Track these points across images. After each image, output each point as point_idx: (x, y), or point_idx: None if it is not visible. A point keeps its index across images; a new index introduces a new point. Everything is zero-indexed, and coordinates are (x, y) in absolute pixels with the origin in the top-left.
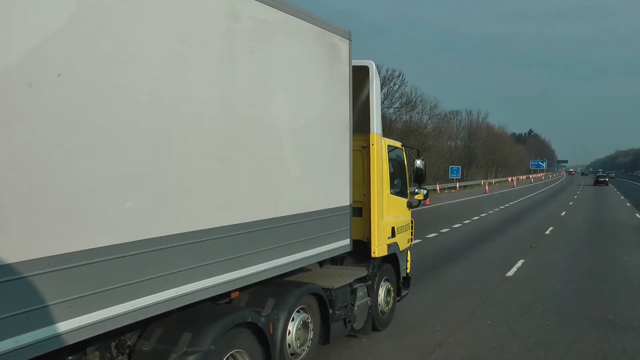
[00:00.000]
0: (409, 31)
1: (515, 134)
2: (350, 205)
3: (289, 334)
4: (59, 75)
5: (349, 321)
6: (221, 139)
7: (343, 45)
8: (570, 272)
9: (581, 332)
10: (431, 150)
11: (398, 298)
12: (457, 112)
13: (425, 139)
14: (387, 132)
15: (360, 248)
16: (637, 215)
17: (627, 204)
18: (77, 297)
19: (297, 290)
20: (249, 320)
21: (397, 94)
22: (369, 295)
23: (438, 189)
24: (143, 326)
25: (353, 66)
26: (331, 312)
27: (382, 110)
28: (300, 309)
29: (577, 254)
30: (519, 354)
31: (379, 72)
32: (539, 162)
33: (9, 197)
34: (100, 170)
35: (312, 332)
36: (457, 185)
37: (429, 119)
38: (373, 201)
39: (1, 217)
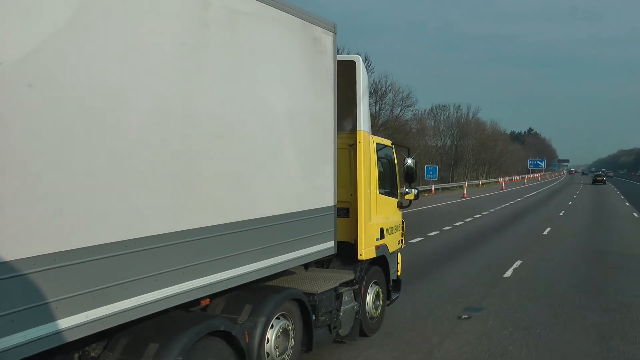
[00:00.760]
0: (410, 31)
1: (514, 132)
2: (334, 205)
3: (267, 342)
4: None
5: (334, 327)
6: (188, 136)
7: (327, 38)
8: None
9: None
10: (414, 149)
11: (388, 302)
12: (444, 106)
13: (407, 137)
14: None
15: (348, 250)
16: None
17: (635, 214)
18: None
19: (276, 295)
20: (222, 328)
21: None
22: (356, 300)
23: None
24: (109, 337)
25: (339, 61)
26: (314, 318)
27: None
28: (280, 315)
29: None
30: None
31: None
32: (538, 162)
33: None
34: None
35: (293, 339)
36: (433, 188)
37: (400, 110)
38: (360, 201)
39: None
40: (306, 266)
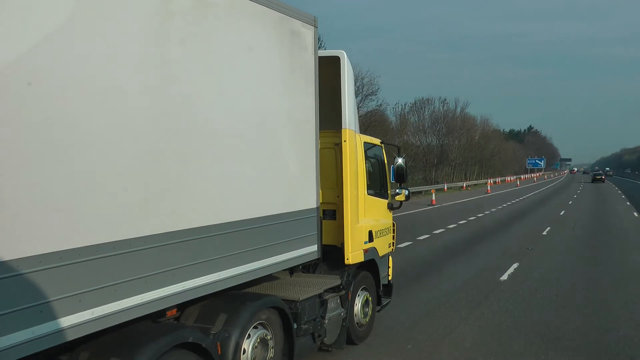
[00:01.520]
0: (411, 31)
1: (513, 130)
2: (317, 208)
3: (244, 352)
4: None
5: (319, 335)
6: (149, 135)
7: (307, 32)
8: None
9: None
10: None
11: (378, 308)
12: (428, 100)
13: (384, 134)
14: None
15: (335, 254)
16: None
17: None
18: None
19: (253, 304)
20: (190, 340)
21: None
22: (342, 306)
23: None
24: (70, 350)
25: (323, 57)
26: (295, 326)
27: None
28: (258, 324)
29: None
30: None
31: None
32: (537, 161)
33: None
34: None
35: (272, 349)
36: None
37: (362, 100)
38: (346, 203)
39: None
40: (291, 271)
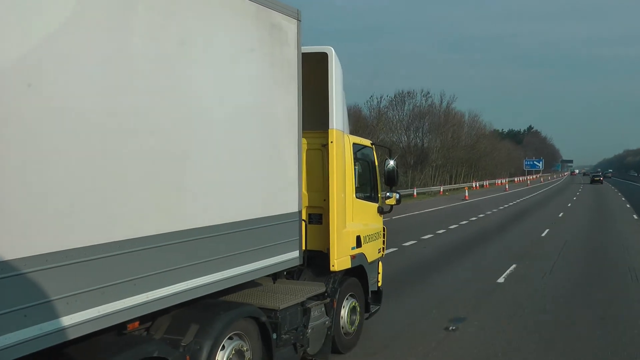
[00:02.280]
0: (412, 31)
1: (512, 130)
2: (299, 212)
3: None
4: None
5: (301, 345)
6: (111, 134)
7: (289, 26)
8: None
9: None
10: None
11: (367, 315)
12: (409, 93)
13: (355, 130)
14: None
15: (321, 260)
16: None
17: None
18: None
19: (227, 314)
20: (155, 354)
21: None
22: (327, 315)
23: None
24: None
25: (309, 53)
26: (275, 336)
27: None
28: (233, 334)
29: None
30: None
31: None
32: (535, 162)
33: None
34: None
35: None
36: None
37: None
38: (332, 207)
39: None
40: (275, 277)
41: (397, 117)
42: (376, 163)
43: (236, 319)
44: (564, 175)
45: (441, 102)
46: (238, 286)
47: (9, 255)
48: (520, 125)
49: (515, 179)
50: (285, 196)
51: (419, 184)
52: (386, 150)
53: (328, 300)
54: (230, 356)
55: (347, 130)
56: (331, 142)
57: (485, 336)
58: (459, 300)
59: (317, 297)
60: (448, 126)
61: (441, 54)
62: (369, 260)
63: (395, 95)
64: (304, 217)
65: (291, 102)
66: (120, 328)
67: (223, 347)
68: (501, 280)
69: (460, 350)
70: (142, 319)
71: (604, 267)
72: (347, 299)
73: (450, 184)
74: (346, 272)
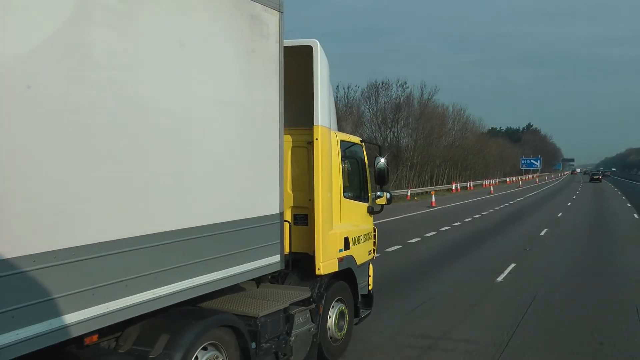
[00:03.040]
0: (412, 33)
1: (511, 128)
2: (280, 213)
3: None
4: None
5: (284, 354)
6: (70, 131)
7: (270, 17)
8: None
9: None
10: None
11: (356, 321)
12: (385, 84)
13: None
14: None
15: (307, 263)
16: None
17: None
18: None
19: (200, 323)
20: None
21: None
22: (313, 321)
23: None
24: None
25: (293, 46)
26: (254, 346)
27: None
28: (208, 344)
29: None
30: None
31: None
32: (532, 160)
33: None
34: None
35: None
36: None
37: None
38: (317, 207)
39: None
40: (258, 282)
41: (370, 110)
42: (366, 161)
43: (210, 327)
44: (564, 175)
45: (421, 93)
46: (218, 291)
47: None
48: (521, 124)
49: (508, 180)
50: (265, 197)
51: (391, 186)
52: (376, 148)
53: (313, 305)
54: None
55: (334, 126)
56: (316, 139)
57: None
58: None
59: (302, 303)
60: (425, 119)
61: (441, 53)
62: (358, 263)
63: (367, 86)
64: (288, 218)
65: (272, 97)
66: (79, 341)
67: (196, 358)
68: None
69: None
70: (111, 329)
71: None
72: (334, 303)
73: (429, 186)
74: (334, 276)
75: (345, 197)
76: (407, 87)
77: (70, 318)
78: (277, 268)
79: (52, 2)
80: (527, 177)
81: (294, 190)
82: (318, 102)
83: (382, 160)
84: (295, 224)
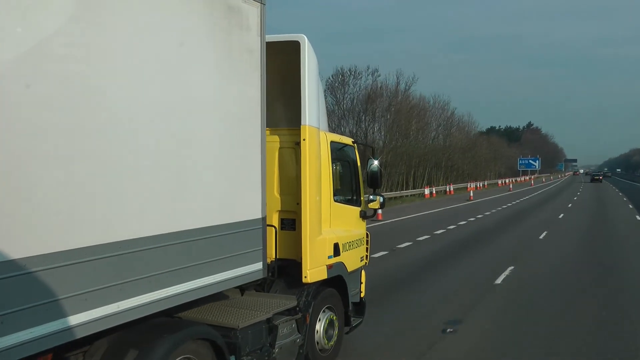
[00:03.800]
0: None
1: (510, 127)
2: (262, 218)
3: None
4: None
5: None
6: (13, 133)
7: (250, 9)
8: None
9: None
10: None
11: (347, 329)
12: (354, 71)
13: None
14: None
15: (294, 269)
16: None
17: None
18: None
19: (173, 336)
20: None
21: None
22: (299, 331)
23: None
24: None
25: (280, 42)
26: (234, 359)
27: None
28: (182, 359)
29: None
30: None
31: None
32: (530, 161)
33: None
34: None
35: None
36: None
37: None
38: (305, 211)
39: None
40: (242, 290)
41: (336, 102)
42: (358, 163)
43: (183, 341)
44: (565, 176)
45: (397, 83)
46: (199, 300)
47: None
48: (522, 124)
49: (500, 182)
50: (245, 201)
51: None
52: (369, 149)
53: (300, 315)
54: None
55: (324, 127)
56: (303, 139)
57: None
58: None
59: (288, 312)
60: (395, 112)
61: (442, 55)
62: (349, 270)
63: (333, 75)
64: (275, 222)
65: (253, 95)
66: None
67: None
68: None
69: None
70: (78, 344)
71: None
72: (323, 312)
73: (400, 190)
74: (323, 282)
75: (335, 200)
76: (379, 75)
77: (17, 337)
78: (259, 277)
79: None
80: (522, 179)
81: (281, 193)
82: (306, 100)
83: (375, 162)
84: (282, 228)
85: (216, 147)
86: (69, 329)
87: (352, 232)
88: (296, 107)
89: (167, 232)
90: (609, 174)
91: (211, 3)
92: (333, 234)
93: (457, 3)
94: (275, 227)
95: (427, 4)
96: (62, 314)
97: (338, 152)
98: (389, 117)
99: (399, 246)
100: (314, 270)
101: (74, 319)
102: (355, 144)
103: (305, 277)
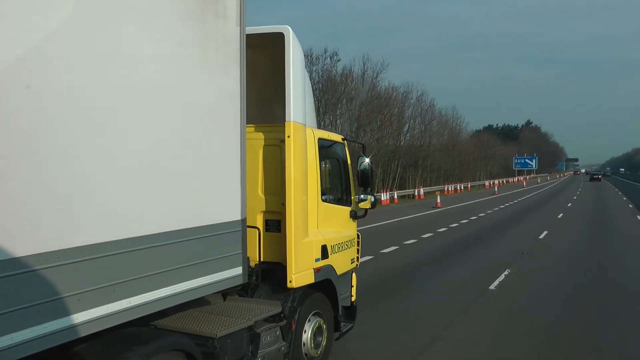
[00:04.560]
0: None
1: (508, 126)
2: (242, 220)
3: None
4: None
5: None
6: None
7: None
8: None
9: None
10: None
11: (337, 335)
12: (309, 55)
13: None
14: None
15: (280, 273)
16: None
17: None
18: None
19: (143, 347)
20: None
21: None
22: (284, 339)
23: None
24: None
25: (264, 34)
26: None
27: None
28: None
29: None
30: None
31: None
32: (527, 160)
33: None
34: None
35: None
36: None
37: None
38: (289, 212)
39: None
40: (224, 295)
41: None
42: (349, 162)
43: (155, 353)
44: (565, 176)
45: (364, 71)
46: (178, 307)
47: None
48: (520, 122)
49: (487, 183)
50: (223, 201)
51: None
52: (360, 147)
53: (284, 322)
54: None
55: (312, 123)
56: (288, 136)
57: None
58: None
59: (272, 318)
60: (350, 101)
61: (443, 55)
62: (338, 273)
63: None
64: (259, 224)
65: (232, 88)
66: None
67: None
68: None
69: None
70: (45, 355)
71: None
72: (310, 318)
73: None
74: (311, 287)
75: (324, 200)
76: (339, 60)
77: None
78: (239, 282)
79: None
80: (515, 180)
81: (266, 193)
82: (290, 95)
83: (366, 160)
84: (267, 230)
85: (186, 143)
86: (22, 343)
87: (342, 233)
88: (281, 103)
89: (129, 237)
90: (609, 174)
91: None
92: (321, 236)
93: (454, 3)
94: (259, 229)
95: (427, 4)
96: (12, 328)
97: (327, 150)
98: (346, 107)
99: None
100: (299, 275)
101: (23, 334)
102: (346, 141)
103: (290, 281)
